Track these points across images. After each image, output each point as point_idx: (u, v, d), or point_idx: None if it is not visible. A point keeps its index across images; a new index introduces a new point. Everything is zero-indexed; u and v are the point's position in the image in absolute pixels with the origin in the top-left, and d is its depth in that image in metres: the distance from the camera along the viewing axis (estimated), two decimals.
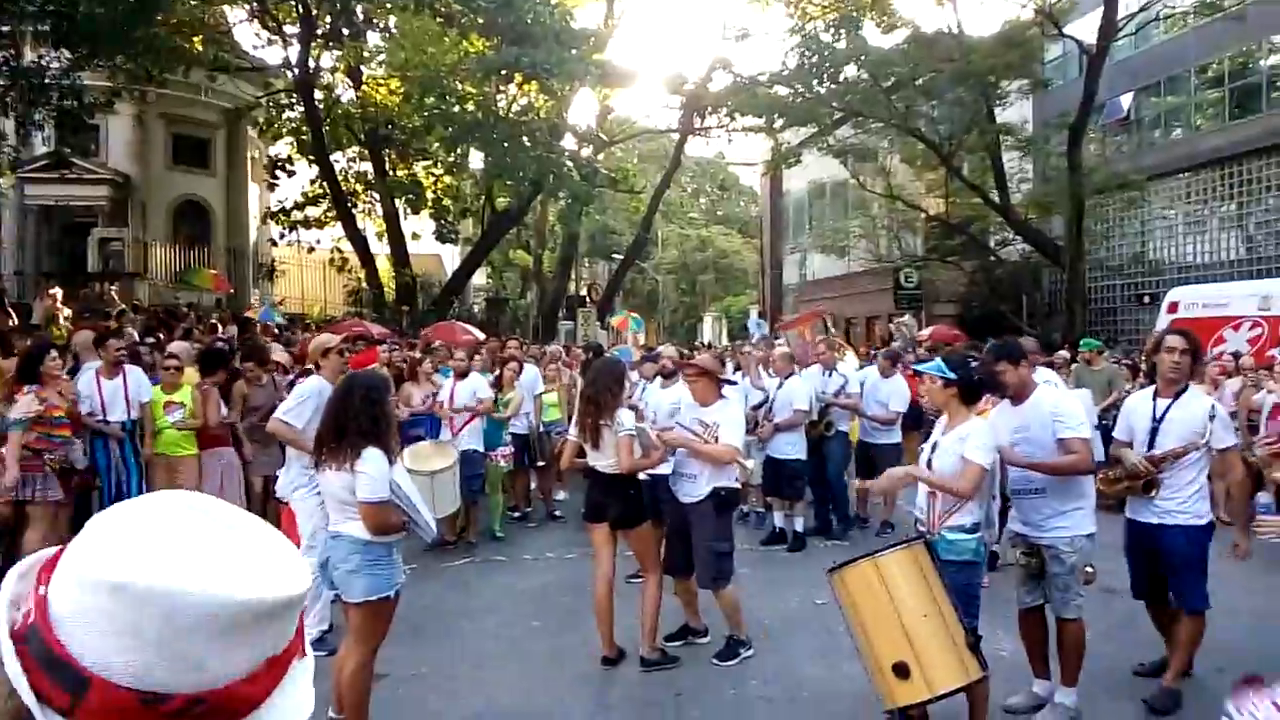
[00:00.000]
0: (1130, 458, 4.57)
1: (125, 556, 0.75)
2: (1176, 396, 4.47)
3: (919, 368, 4.51)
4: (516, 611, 6.09)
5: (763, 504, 8.30)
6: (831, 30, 19.24)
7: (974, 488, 3.79)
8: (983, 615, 3.93)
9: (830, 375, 8.39)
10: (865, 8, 18.86)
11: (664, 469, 5.34)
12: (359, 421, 3.73)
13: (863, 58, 18.53)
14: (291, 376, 7.46)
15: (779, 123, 21.46)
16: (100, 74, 16.16)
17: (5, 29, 13.83)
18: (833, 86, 19.61)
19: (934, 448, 4.01)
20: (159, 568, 0.74)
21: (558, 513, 9.14)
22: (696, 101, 22.32)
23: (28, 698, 0.74)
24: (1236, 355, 9.49)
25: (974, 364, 4.14)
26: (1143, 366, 10.98)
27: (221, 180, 24.75)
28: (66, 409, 6.15)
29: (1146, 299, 21.35)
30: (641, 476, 5.13)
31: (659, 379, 6.88)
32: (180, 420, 6.99)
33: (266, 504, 7.97)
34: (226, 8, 20.86)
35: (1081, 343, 10.79)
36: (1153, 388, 4.70)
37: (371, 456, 3.69)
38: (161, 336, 11.99)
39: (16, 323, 13.11)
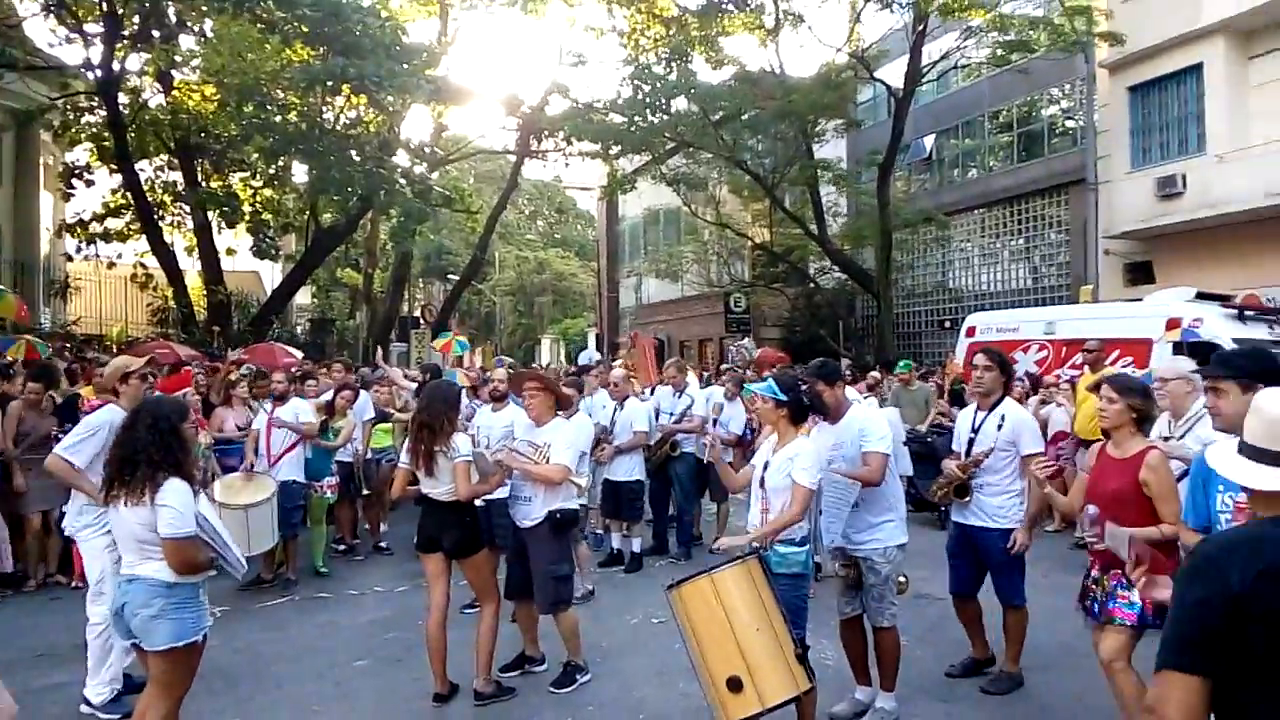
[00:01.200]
0: (948, 466, 4.97)
1: None
2: (991, 409, 4.87)
3: (752, 388, 4.67)
4: (342, 651, 5.77)
5: (602, 525, 8.30)
6: (663, 63, 19.80)
7: (803, 509, 3.96)
8: (809, 625, 4.08)
9: (679, 396, 8.54)
10: (694, 43, 19.54)
11: (500, 493, 5.24)
12: (151, 451, 3.47)
13: (692, 91, 19.16)
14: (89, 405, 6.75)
15: (614, 149, 21.79)
16: None
17: None
18: (665, 117, 20.15)
19: (765, 465, 4.14)
20: None
21: (384, 544, 8.77)
22: (533, 124, 22.32)
23: None
24: (1031, 376, 10.44)
25: (803, 386, 4.32)
26: (945, 385, 11.94)
27: (9, 188, 22.27)
28: None
29: (947, 323, 23.18)
30: (477, 502, 5.01)
31: (490, 403, 6.74)
32: None
33: (47, 540, 7.21)
34: (17, 1, 18.91)
35: (899, 364, 11.58)
36: (975, 403, 5.10)
37: (173, 488, 3.44)
38: None
39: None
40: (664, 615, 6.44)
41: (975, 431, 4.93)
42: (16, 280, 20.43)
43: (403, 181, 19.31)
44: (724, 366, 14.58)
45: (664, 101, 19.83)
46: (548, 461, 4.89)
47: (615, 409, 7.89)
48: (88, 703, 4.62)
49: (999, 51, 18.05)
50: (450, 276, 37.54)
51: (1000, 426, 4.81)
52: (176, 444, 3.52)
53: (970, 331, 12.94)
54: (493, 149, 27.85)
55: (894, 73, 20.34)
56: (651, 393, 9.38)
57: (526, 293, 47.18)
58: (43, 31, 20.01)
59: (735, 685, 3.44)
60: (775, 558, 3.92)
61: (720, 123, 19.45)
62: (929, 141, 24.77)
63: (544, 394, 5.06)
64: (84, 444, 4.63)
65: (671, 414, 8.46)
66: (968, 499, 4.88)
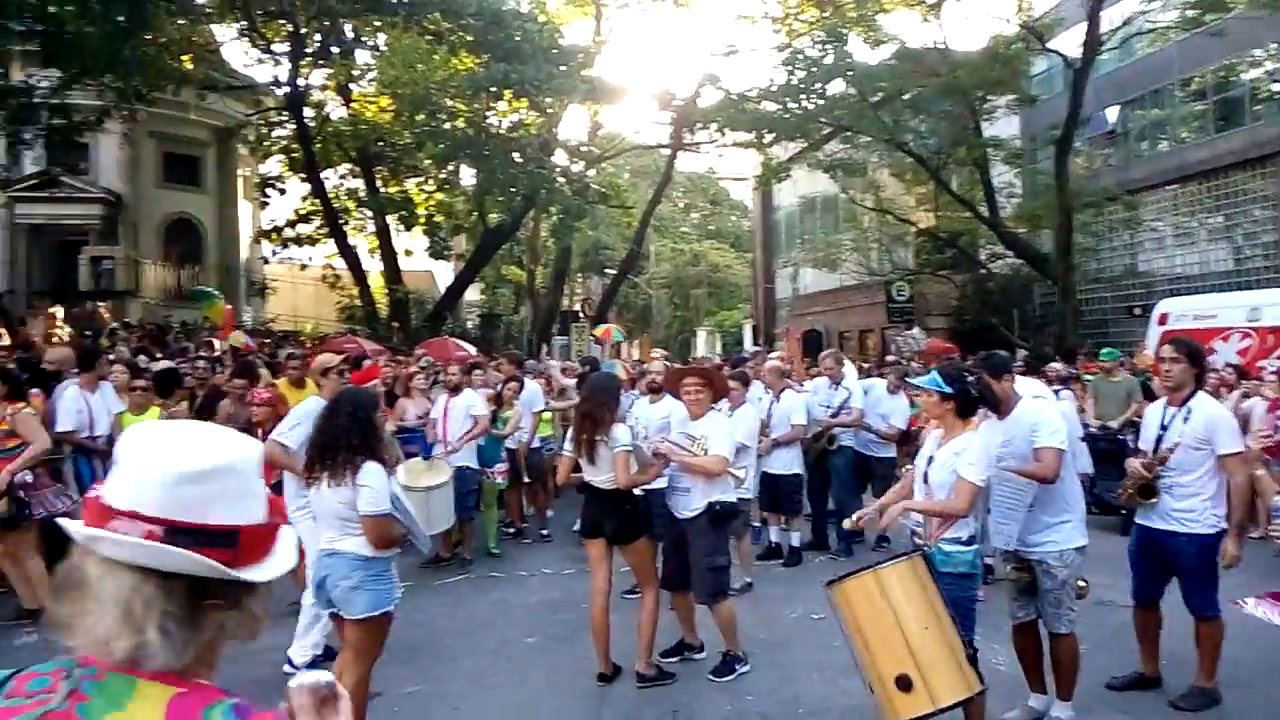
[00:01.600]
0: (1132, 465, 4.63)
1: (203, 449, 1.07)
2: (1182, 404, 4.50)
3: (914, 382, 4.53)
4: (513, 628, 6.06)
5: (759, 518, 8.27)
6: (818, 46, 19.38)
7: (969, 505, 3.81)
8: (978, 629, 3.93)
9: (836, 389, 8.39)
10: (851, 23, 19.02)
11: (659, 483, 5.35)
12: (350, 437, 3.77)
13: (849, 73, 18.66)
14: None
15: (768, 137, 21.57)
16: (90, 92, 16.16)
17: None
18: (820, 101, 19.74)
19: (929, 460, 4.02)
20: (227, 448, 1.09)
21: (545, 530, 9.08)
22: (686, 117, 22.43)
23: (210, 565, 1.02)
24: (1237, 368, 9.53)
25: (970, 377, 4.15)
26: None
27: (213, 198, 24.75)
28: None
29: (1137, 310, 21.46)
30: (637, 491, 5.13)
31: (647, 395, 6.85)
32: None
33: None
34: (215, 26, 20.92)
35: (1103, 352, 10.69)
36: (1165, 399, 4.73)
37: (371, 470, 3.75)
38: (157, 354, 11.97)
39: (9, 341, 13.07)
40: (823, 611, 6.36)
41: (1164, 429, 4.56)
42: (221, 282, 22.65)
43: (562, 180, 19.93)
44: (888, 358, 14.12)
45: (819, 86, 19.44)
46: (705, 453, 4.95)
47: (772, 401, 7.83)
48: (290, 663, 5.05)
49: (1189, 13, 16.51)
50: (608, 271, 38.36)
51: (1187, 421, 4.43)
52: (372, 431, 3.86)
53: (1163, 319, 11.99)
54: (646, 144, 28.23)
55: (1070, 41, 19.02)
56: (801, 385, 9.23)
57: (682, 285, 47.46)
58: (237, 54, 22.18)
59: (905, 684, 3.37)
60: (940, 556, 3.79)
61: (880, 104, 18.86)
62: (1112, 113, 23.00)
63: (707, 391, 5.10)
64: (297, 429, 5.04)
65: (828, 407, 8.30)
66: (1154, 500, 4.52)
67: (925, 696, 3.37)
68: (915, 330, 19.74)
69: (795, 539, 7.96)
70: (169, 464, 1.03)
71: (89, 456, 6.83)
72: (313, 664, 4.95)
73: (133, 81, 15.36)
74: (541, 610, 6.48)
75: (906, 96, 18.70)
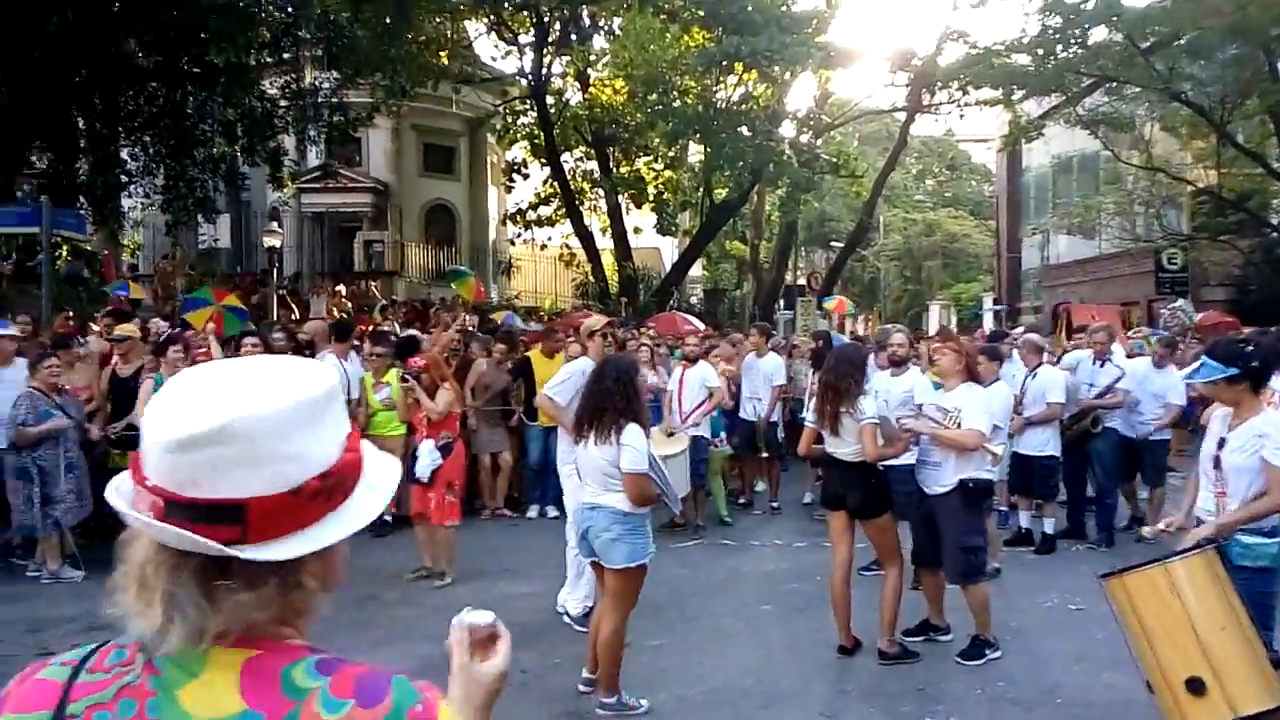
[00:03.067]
0: None
1: (198, 411, 0.90)
2: None
3: (1189, 380, 4.04)
4: (748, 594, 6.17)
5: (1007, 503, 7.79)
6: None
7: None
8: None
9: (1103, 366, 7.66)
10: None
11: (904, 459, 5.18)
12: (618, 400, 4.05)
13: (1116, 17, 16.80)
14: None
15: (1018, 94, 19.97)
16: (362, 91, 17.92)
17: (287, 56, 15.68)
18: (1080, 51, 17.95)
19: (1220, 443, 3.59)
20: (230, 407, 0.90)
21: (775, 504, 9.05)
22: (926, 77, 21.21)
23: (207, 545, 0.89)
24: None
25: (1250, 347, 3.64)
26: None
27: (465, 184, 26.75)
28: None
29: None
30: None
31: (889, 368, 6.61)
32: (387, 398, 7.60)
33: (495, 478, 8.56)
34: (467, 22, 22.47)
35: None
36: None
37: (634, 431, 4.00)
38: (418, 327, 13.20)
39: (298, 316, 14.96)
40: (1082, 602, 5.93)
41: None
42: (472, 262, 24.49)
43: (790, 152, 19.60)
44: (1150, 334, 12.72)
45: (1080, 33, 17.69)
46: (958, 427, 4.72)
47: (1027, 377, 7.33)
48: (567, 613, 5.41)
49: None
50: (833, 244, 37.36)
51: None
52: (634, 394, 4.14)
53: None
54: (879, 108, 27.06)
55: None
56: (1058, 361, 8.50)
57: (914, 257, 45.28)
58: (486, 47, 23.73)
59: (1197, 688, 3.06)
60: (1238, 549, 3.38)
61: (1152, 49, 16.86)
62: None
63: (954, 355, 4.89)
64: (565, 385, 5.42)
65: (1091, 385, 7.62)
66: None
67: (1221, 702, 3.03)
68: (1182, 302, 17.58)
69: (1049, 525, 7.43)
70: (165, 428, 0.90)
71: None
72: (587, 615, 5.13)
73: (399, 79, 16.87)
74: (775, 579, 6.53)
75: (1184, 40, 16.57)
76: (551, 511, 8.13)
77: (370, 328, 12.42)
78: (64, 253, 12.40)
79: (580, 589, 5.34)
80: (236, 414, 0.89)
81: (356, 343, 8.53)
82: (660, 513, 7.21)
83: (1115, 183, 24.34)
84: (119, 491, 0.95)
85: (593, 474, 4.14)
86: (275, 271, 17.11)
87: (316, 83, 16.25)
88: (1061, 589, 6.20)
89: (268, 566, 0.91)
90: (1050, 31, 17.73)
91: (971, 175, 49.63)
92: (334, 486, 0.95)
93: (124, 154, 14.79)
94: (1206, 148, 19.87)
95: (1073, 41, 17.88)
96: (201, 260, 19.41)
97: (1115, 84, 18.35)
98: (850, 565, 5.00)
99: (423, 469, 5.97)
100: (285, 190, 20.77)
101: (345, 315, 14.39)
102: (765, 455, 9.01)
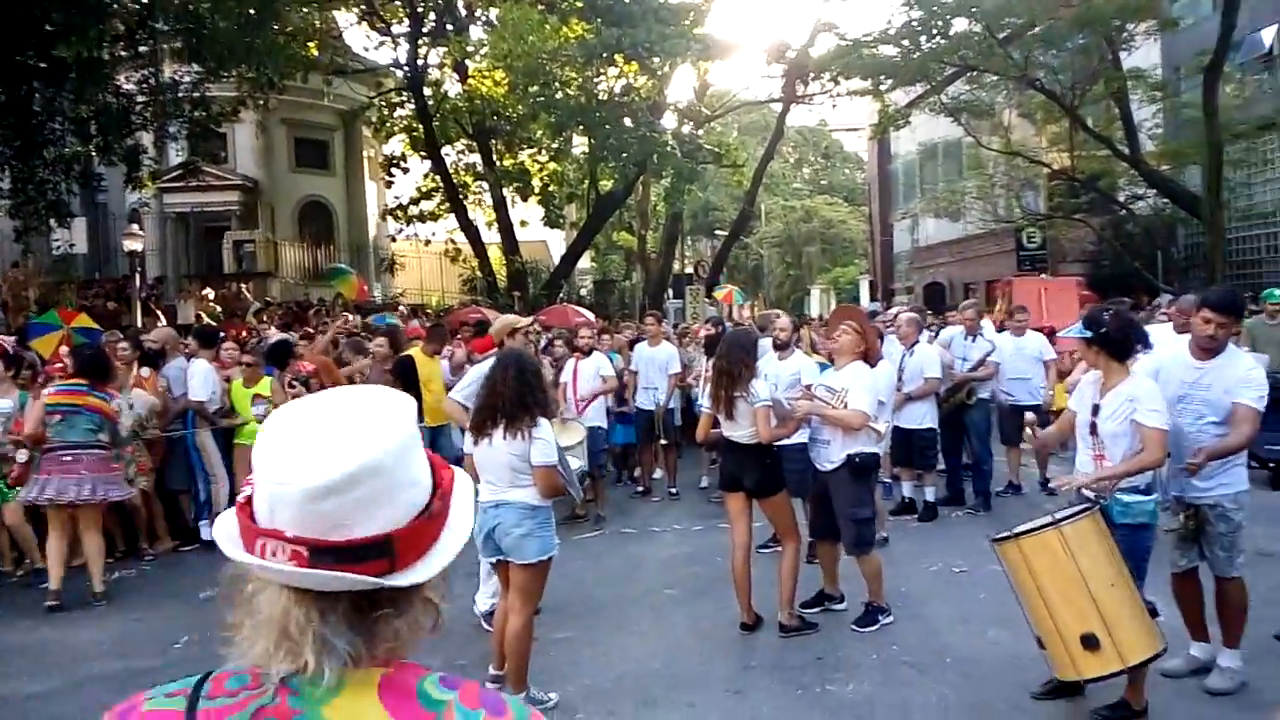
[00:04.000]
0: None
1: (329, 456, 0.93)
2: None
3: (1063, 334, 4.35)
4: (652, 580, 6.23)
5: (890, 474, 8.14)
6: None
7: (1163, 453, 3.67)
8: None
9: (974, 341, 8.15)
10: None
11: (795, 439, 5.34)
12: (535, 394, 4.04)
13: (974, 9, 17.70)
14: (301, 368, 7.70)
15: (886, 84, 20.77)
16: (226, 84, 17.07)
17: (143, 49, 14.77)
18: (943, 41, 18.83)
19: (1095, 410, 3.86)
20: (360, 447, 0.94)
21: (674, 490, 9.17)
22: (799, 68, 21.84)
23: (365, 582, 0.93)
24: None
25: (1106, 315, 3.94)
26: None
27: (341, 180, 25.88)
28: None
29: None
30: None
31: (775, 350, 6.80)
32: (263, 413, 7.33)
33: None
34: (337, 13, 21.69)
35: (1264, 294, 9.92)
36: None
37: (544, 424, 4.01)
38: (296, 330, 12.70)
39: (164, 323, 14.15)
40: (964, 564, 6.28)
41: None
42: (352, 260, 23.74)
43: (673, 143, 19.82)
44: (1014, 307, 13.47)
45: (941, 24, 18.54)
46: (845, 406, 4.90)
47: (904, 354, 7.66)
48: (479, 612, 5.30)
49: None
50: (718, 232, 38.07)
51: None
52: (542, 387, 4.15)
53: None
54: (756, 100, 27.70)
55: None
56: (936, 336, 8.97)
57: (794, 243, 46.63)
58: (358, 38, 23.07)
59: (1091, 643, 3.29)
60: (1118, 507, 3.66)
61: (1008, 40, 17.84)
62: (1269, 34, 21.00)
63: (855, 336, 5.06)
64: (473, 388, 5.18)
65: (965, 360, 8.08)
66: None
67: (1114, 655, 3.28)
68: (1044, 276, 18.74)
69: (930, 494, 7.81)
70: (299, 477, 0.91)
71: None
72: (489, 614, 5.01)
73: (265, 71, 16.14)
74: (677, 564, 6.62)
75: (1037, 30, 17.61)
76: None
77: (243, 332, 11.91)
78: None
79: (488, 586, 5.26)
80: (369, 454, 0.93)
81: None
82: (560, 505, 7.24)
83: (978, 167, 25.68)
84: (230, 538, 0.97)
85: (497, 470, 4.07)
86: (138, 277, 16.10)
87: (176, 76, 15.38)
88: (944, 554, 6.52)
89: (414, 589, 0.97)
90: (914, 23, 18.51)
91: (845, 163, 51.44)
92: (446, 500, 1.01)
93: None
94: (1060, 132, 21.20)
95: (935, 32, 18.72)
96: (56, 268, 18.10)
97: (975, 73, 19.32)
98: (750, 545, 5.13)
99: None
100: (145, 190, 19.55)
101: (214, 320, 13.73)
102: (664, 443, 9.13)
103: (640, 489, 9.24)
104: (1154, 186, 19.45)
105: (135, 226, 16.47)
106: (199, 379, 7.44)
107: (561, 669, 4.68)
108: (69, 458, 5.90)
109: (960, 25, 18.71)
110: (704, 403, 5.28)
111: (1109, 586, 3.34)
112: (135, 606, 6.07)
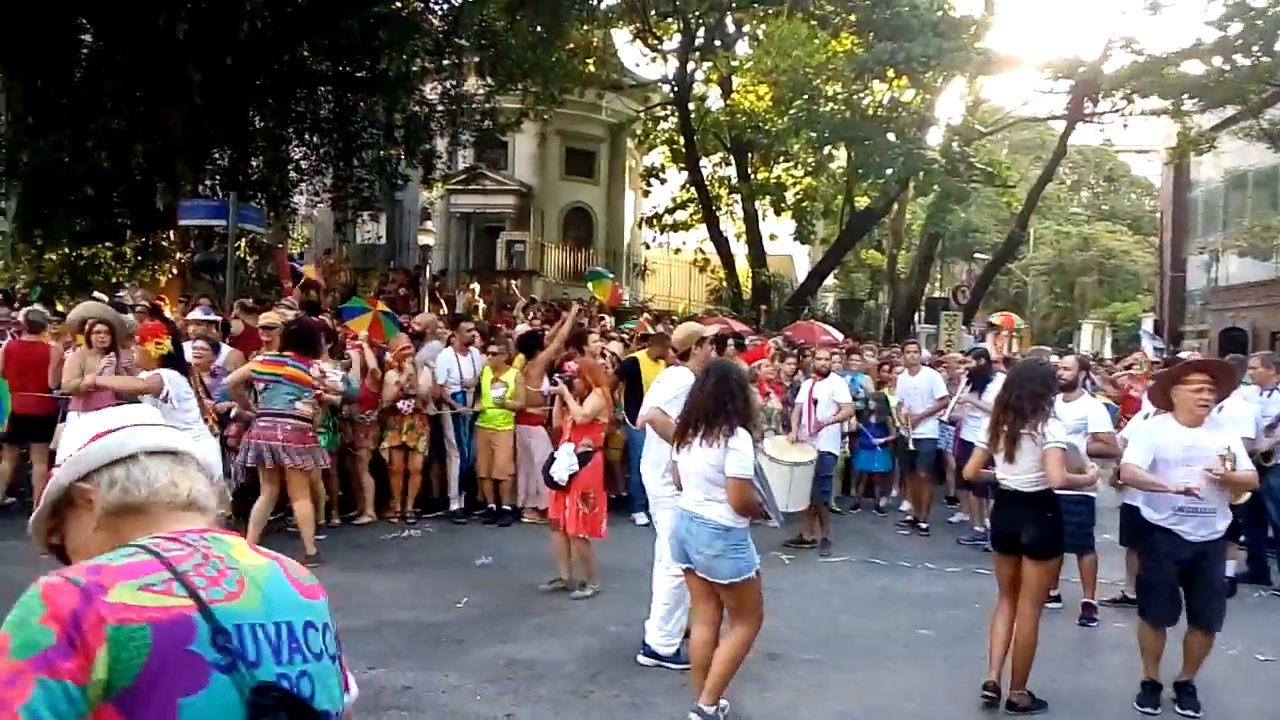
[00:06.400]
0: None
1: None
2: None
3: None
4: (903, 616, 5.98)
5: None
6: None
7: None
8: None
9: (1270, 396, 7.14)
10: None
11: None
12: (735, 403, 3.93)
13: None
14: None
15: (1190, 104, 18.68)
16: (512, 96, 18.51)
17: (446, 63, 16.37)
18: (1264, 59, 16.63)
19: None
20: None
21: (924, 526, 8.76)
22: (1088, 85, 20.11)
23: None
24: None
25: None
26: None
27: (604, 188, 27.24)
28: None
29: None
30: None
31: (1060, 391, 6.27)
32: (500, 398, 7.97)
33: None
34: (613, 30, 22.87)
35: None
36: None
37: (742, 436, 3.88)
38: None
39: (446, 312, 15.59)
40: (1271, 652, 5.50)
41: None
42: (608, 265, 24.87)
43: (941, 160, 18.99)
44: None
45: (1263, 41, 16.38)
46: (1233, 469, 4.29)
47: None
48: (653, 654, 4.85)
49: None
50: (977, 256, 35.92)
51: None
52: (746, 399, 4.04)
53: None
54: (1035, 117, 25.85)
55: None
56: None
57: (1065, 272, 42.94)
58: (631, 54, 24.21)
59: None
60: None
61: None
62: None
63: (1215, 393, 4.44)
64: (678, 399, 4.88)
65: (1265, 417, 7.07)
66: None
67: None
68: None
69: (1230, 568, 6.88)
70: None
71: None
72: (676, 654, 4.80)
73: (550, 86, 17.34)
74: (932, 603, 6.31)
75: None
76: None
77: (508, 325, 12.89)
78: (243, 245, 13.38)
79: (672, 621, 4.86)
80: None
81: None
82: (791, 528, 7.19)
83: None
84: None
85: (695, 478, 3.99)
86: (427, 268, 17.86)
87: (472, 89, 16.91)
88: (1245, 638, 5.75)
89: None
90: (1230, 38, 16.51)
91: (1132, 188, 46.72)
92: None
93: (294, 154, 15.84)
94: None
95: (1255, 49, 16.59)
96: (361, 255, 20.50)
97: None
98: (1014, 619, 4.45)
99: (559, 471, 5.82)
100: (436, 191, 21.70)
101: (485, 310, 15.02)
102: (923, 475, 8.81)
103: (910, 519, 8.95)
104: None
105: (429, 223, 18.27)
106: (441, 365, 8.38)
107: (808, 691, 4.62)
108: (267, 424, 6.33)
109: None
110: (981, 438, 4.85)
111: None
112: (419, 566, 6.75)
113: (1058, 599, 5.95)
